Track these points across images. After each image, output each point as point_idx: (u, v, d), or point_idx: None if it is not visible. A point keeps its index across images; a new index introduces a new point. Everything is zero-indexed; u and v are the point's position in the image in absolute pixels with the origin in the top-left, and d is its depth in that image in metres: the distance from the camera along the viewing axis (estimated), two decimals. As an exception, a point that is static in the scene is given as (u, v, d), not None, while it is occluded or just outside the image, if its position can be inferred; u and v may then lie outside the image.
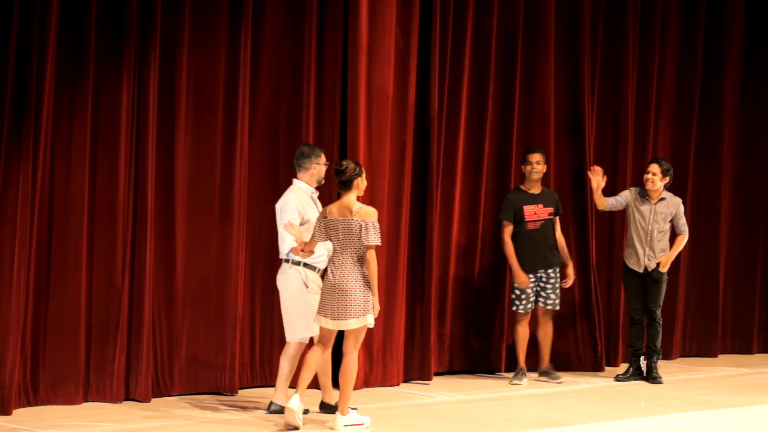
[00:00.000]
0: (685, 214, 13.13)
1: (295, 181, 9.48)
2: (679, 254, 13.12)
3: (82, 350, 9.38)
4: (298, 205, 9.22)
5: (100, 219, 9.50)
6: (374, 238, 8.73)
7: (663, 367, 12.54)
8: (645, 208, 11.46)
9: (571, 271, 11.43)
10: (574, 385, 11.30)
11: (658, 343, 11.51)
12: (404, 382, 11.02)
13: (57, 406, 9.25)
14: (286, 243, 9.16)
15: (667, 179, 11.47)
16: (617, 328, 12.45)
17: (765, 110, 13.95)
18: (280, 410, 9.16)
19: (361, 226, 8.74)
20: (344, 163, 8.97)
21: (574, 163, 12.18)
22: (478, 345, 11.74)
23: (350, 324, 8.76)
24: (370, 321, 8.82)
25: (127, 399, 9.60)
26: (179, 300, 9.93)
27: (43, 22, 9.03)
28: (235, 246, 10.06)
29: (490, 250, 11.70)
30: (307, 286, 9.19)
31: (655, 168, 11.44)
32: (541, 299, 11.27)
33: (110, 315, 9.52)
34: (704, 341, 13.56)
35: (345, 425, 8.87)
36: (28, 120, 8.99)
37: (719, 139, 13.55)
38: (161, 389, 9.83)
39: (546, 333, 11.35)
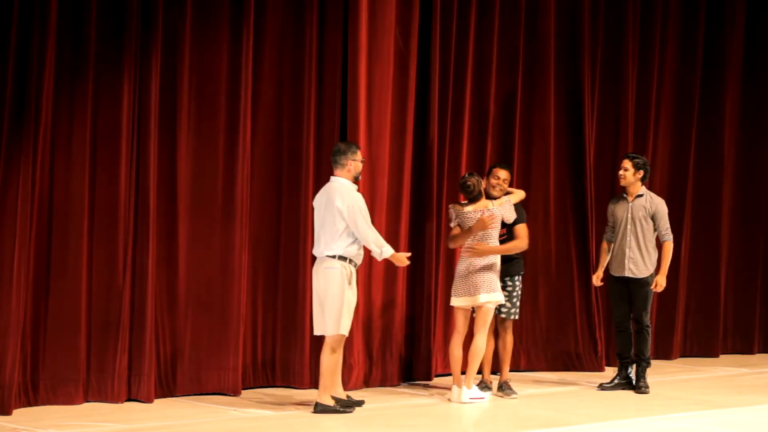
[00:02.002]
0: (686, 214, 13.18)
1: (335, 178, 9.55)
2: (679, 254, 13.16)
3: (83, 350, 9.38)
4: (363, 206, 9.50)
5: (100, 219, 9.50)
6: (512, 212, 10.20)
7: (663, 367, 12.57)
8: (621, 208, 10.97)
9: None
10: (574, 385, 11.30)
11: (647, 352, 10.95)
12: (404, 382, 11.03)
13: (57, 406, 9.25)
14: (385, 248, 9.43)
15: (642, 173, 10.92)
16: (617, 328, 12.45)
17: (765, 110, 13.96)
18: (333, 410, 9.36)
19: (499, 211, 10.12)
20: (469, 183, 10.14)
21: (574, 163, 12.17)
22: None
23: (480, 299, 10.04)
24: (499, 298, 10.14)
25: (130, 399, 9.60)
26: (181, 300, 9.93)
27: (43, 21, 9.03)
28: (237, 246, 10.05)
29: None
30: (349, 282, 9.38)
31: (626, 163, 10.92)
32: (502, 310, 10.60)
33: (111, 315, 9.51)
34: (705, 341, 13.56)
35: (471, 398, 10.06)
36: (28, 120, 8.99)
37: (719, 139, 13.55)
38: (164, 390, 9.82)
39: (504, 344, 10.66)
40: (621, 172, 10.95)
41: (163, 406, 9.53)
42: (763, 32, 13.86)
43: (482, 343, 10.13)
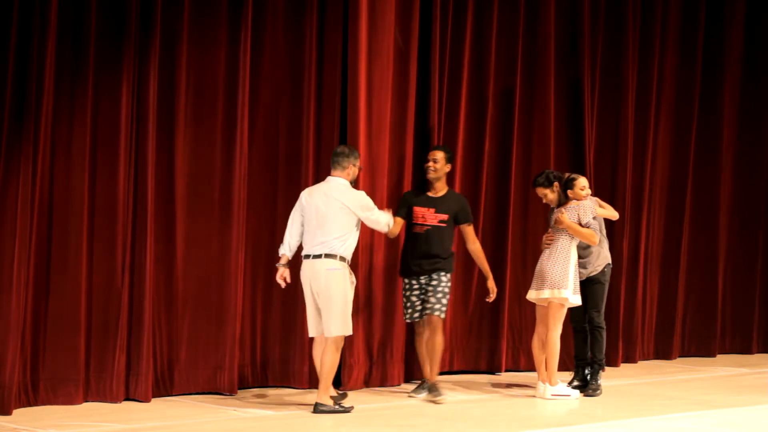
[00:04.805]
0: (685, 214, 13.22)
1: (334, 178, 9.57)
2: (678, 253, 13.19)
3: (82, 350, 9.37)
4: None
5: (99, 219, 9.50)
6: (588, 215, 10.27)
7: (663, 367, 12.58)
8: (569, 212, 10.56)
9: (491, 285, 10.50)
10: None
11: (601, 354, 10.70)
12: (404, 382, 11.02)
13: (57, 406, 9.24)
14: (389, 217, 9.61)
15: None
16: (617, 329, 12.45)
17: (764, 110, 13.98)
18: (332, 410, 9.37)
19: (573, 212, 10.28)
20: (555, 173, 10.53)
21: (574, 163, 12.17)
22: (478, 344, 11.74)
23: (543, 294, 10.27)
24: (565, 295, 10.19)
25: (127, 399, 9.60)
26: (179, 300, 9.93)
27: (43, 21, 9.02)
28: (234, 246, 10.05)
29: (490, 249, 11.70)
30: (352, 282, 9.43)
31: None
32: (426, 306, 10.18)
33: (110, 315, 9.51)
34: (704, 341, 13.57)
35: (552, 394, 10.28)
36: (28, 120, 8.98)
37: (719, 139, 13.57)
38: (161, 389, 9.83)
39: (431, 344, 10.20)
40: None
41: (162, 405, 9.53)
42: (763, 32, 13.88)
43: (553, 339, 10.28)
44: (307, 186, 10.35)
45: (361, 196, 9.55)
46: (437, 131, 11.20)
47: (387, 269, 10.79)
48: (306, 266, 9.51)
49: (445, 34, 11.29)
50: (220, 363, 10.04)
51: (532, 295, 10.47)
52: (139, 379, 9.59)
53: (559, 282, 10.24)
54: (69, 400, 9.32)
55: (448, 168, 10.40)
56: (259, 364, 10.42)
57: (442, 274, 10.20)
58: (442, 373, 11.31)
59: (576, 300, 10.33)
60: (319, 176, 10.40)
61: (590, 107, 12.30)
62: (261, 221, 10.39)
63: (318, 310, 9.43)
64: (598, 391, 10.69)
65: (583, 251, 10.64)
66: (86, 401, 9.44)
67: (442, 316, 10.16)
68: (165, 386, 9.86)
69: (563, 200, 10.46)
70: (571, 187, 10.44)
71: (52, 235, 9.29)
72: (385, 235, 10.65)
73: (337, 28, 10.63)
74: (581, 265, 10.63)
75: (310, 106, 10.50)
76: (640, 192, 12.87)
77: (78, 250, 9.35)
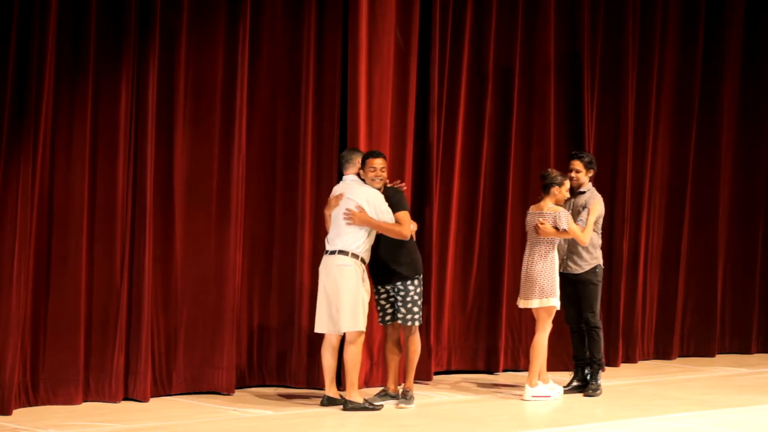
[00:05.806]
0: (685, 214, 13.18)
1: (347, 176, 9.69)
2: (678, 253, 13.19)
3: (82, 350, 9.37)
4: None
5: (99, 218, 9.50)
6: (564, 223, 10.22)
7: (663, 367, 12.58)
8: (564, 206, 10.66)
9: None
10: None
11: (599, 354, 10.66)
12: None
13: (57, 406, 9.24)
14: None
15: (591, 172, 10.73)
16: (617, 328, 12.45)
17: (764, 110, 13.96)
18: (362, 407, 9.46)
19: (549, 218, 10.26)
20: (549, 170, 10.52)
21: (574, 163, 12.17)
22: (477, 344, 11.73)
23: (532, 303, 10.31)
24: (552, 303, 10.26)
25: (126, 399, 9.59)
26: (177, 299, 9.93)
27: (43, 21, 9.02)
28: (232, 245, 10.05)
29: (488, 249, 11.71)
30: (363, 280, 9.49)
31: (577, 165, 10.69)
32: (398, 317, 9.89)
33: (109, 314, 9.51)
34: (703, 341, 13.56)
35: (533, 396, 10.28)
36: (28, 120, 8.98)
37: (719, 138, 13.56)
38: (159, 389, 9.83)
39: (406, 350, 9.98)
40: (573, 173, 10.66)
41: (162, 405, 9.53)
42: (763, 32, 13.87)
43: (540, 341, 10.34)
44: (304, 186, 10.40)
45: (371, 193, 9.56)
46: (437, 131, 11.18)
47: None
48: (323, 261, 9.64)
49: (445, 34, 11.28)
50: (218, 362, 10.03)
51: (521, 304, 10.49)
52: (138, 379, 9.58)
53: (548, 290, 10.27)
54: (69, 400, 9.32)
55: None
56: (256, 364, 10.42)
57: (408, 283, 9.79)
58: (439, 373, 11.34)
59: (558, 303, 10.40)
60: (319, 176, 10.42)
61: (590, 107, 12.29)
62: (259, 221, 10.39)
63: (328, 306, 9.47)
64: (598, 391, 10.68)
65: (574, 247, 10.61)
66: (86, 401, 9.43)
67: (417, 324, 9.87)
68: (163, 386, 9.86)
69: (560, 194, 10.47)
70: (560, 185, 10.38)
71: (52, 235, 9.29)
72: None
73: (337, 28, 10.62)
74: (573, 262, 10.64)
75: (309, 107, 10.49)
76: (640, 192, 12.86)
77: (77, 250, 9.35)
